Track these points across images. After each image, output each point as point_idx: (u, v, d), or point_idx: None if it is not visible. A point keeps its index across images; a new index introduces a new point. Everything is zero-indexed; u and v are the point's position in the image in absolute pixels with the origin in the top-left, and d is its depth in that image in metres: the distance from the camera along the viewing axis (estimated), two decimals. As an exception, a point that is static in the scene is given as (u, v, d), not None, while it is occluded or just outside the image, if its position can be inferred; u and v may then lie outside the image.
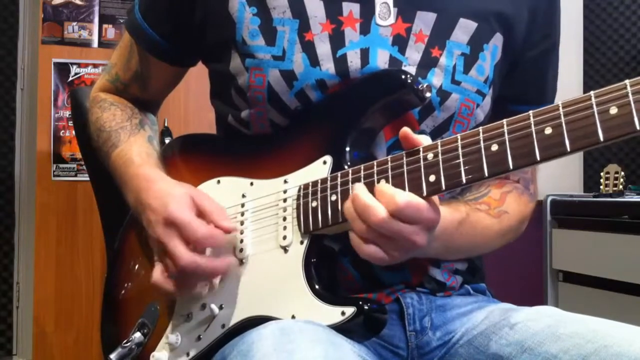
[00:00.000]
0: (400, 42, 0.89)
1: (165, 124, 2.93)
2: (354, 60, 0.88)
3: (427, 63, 0.89)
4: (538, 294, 2.94)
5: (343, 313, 0.77)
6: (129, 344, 0.89)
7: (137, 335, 0.90)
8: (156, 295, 0.94)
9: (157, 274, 0.86)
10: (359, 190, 0.75)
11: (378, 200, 0.73)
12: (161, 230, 0.85)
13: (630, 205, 2.56)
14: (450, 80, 0.90)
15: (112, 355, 0.88)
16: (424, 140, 0.76)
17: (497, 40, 0.94)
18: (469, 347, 0.90)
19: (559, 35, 1.03)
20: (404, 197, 0.71)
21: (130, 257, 1.04)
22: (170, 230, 0.84)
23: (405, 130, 0.76)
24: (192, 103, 2.95)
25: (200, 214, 0.85)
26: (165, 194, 0.87)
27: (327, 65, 0.88)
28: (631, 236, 2.47)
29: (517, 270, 2.87)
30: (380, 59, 0.88)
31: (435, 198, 0.75)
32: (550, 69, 1.04)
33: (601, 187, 2.86)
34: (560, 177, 3.19)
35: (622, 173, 2.83)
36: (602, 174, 2.89)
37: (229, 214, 0.91)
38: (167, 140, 2.79)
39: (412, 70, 0.89)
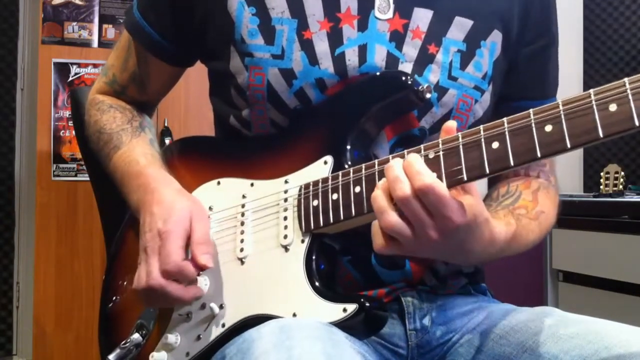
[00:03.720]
0: (398, 38, 0.90)
1: (165, 124, 2.93)
2: (352, 59, 0.88)
3: (424, 59, 0.90)
4: (538, 294, 2.95)
5: (345, 310, 0.77)
6: (127, 344, 0.89)
7: (136, 336, 0.90)
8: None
9: (137, 282, 0.86)
10: (394, 162, 0.72)
11: (406, 171, 0.70)
12: (149, 240, 0.85)
13: (630, 205, 2.56)
14: (447, 76, 0.90)
15: (111, 356, 0.88)
16: None
17: (495, 37, 0.95)
18: (469, 347, 0.90)
19: (557, 32, 1.03)
20: (431, 179, 0.69)
21: (128, 258, 1.04)
22: (155, 245, 0.84)
23: (450, 126, 0.74)
24: (192, 103, 2.95)
25: (189, 238, 0.86)
26: (169, 204, 0.87)
27: (326, 64, 0.88)
28: (631, 236, 2.47)
29: (517, 270, 2.88)
30: (378, 56, 0.89)
31: (472, 200, 0.72)
32: (549, 65, 1.03)
33: (601, 187, 2.87)
34: (560, 177, 3.17)
35: (622, 173, 2.84)
36: (602, 174, 2.89)
37: (228, 214, 0.91)
38: (167, 141, 2.81)
39: (409, 66, 0.89)
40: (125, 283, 1.03)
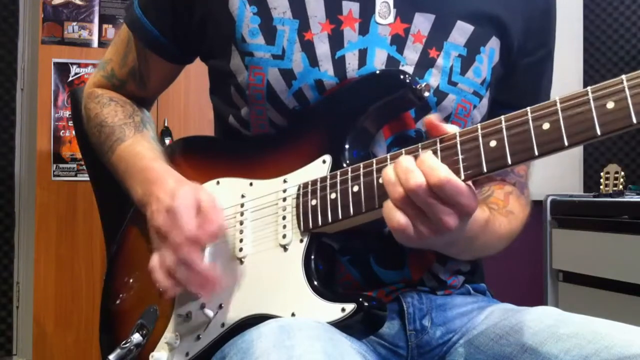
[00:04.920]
0: (399, 42, 0.90)
1: (165, 124, 2.93)
2: (351, 62, 0.88)
3: (425, 63, 0.90)
4: (538, 294, 2.95)
5: (343, 309, 0.77)
6: (127, 344, 0.89)
7: (136, 336, 0.90)
8: (155, 295, 0.94)
9: (155, 261, 0.85)
10: (404, 156, 0.72)
11: (419, 168, 0.70)
12: (162, 219, 0.84)
13: (630, 205, 2.56)
14: (447, 81, 0.90)
15: (111, 356, 0.88)
16: (452, 129, 0.74)
17: (494, 43, 0.95)
18: (469, 347, 0.90)
19: (554, 45, 1.03)
20: (446, 173, 0.68)
21: (129, 258, 1.04)
22: (168, 222, 0.83)
23: (431, 119, 0.74)
24: (192, 103, 2.95)
25: (198, 211, 0.84)
26: (174, 187, 0.87)
27: (326, 66, 0.88)
28: (631, 236, 2.47)
29: (517, 270, 2.88)
30: (378, 60, 0.89)
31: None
32: (544, 78, 1.04)
33: (601, 187, 2.87)
34: (560, 177, 3.19)
35: (622, 173, 2.83)
36: (602, 174, 2.89)
37: (228, 214, 0.91)
38: (167, 141, 2.81)
39: (409, 70, 0.89)
40: (126, 283, 1.03)
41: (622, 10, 3.31)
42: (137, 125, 1.04)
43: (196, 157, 1.02)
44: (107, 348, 1.01)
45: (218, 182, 0.95)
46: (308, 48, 0.89)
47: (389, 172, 0.72)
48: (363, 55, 0.89)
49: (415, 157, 0.72)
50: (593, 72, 3.37)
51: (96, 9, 2.93)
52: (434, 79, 0.90)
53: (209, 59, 1.01)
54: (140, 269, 1.00)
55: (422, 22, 0.90)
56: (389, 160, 0.77)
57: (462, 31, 0.92)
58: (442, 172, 0.68)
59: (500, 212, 0.92)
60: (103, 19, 2.94)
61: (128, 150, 0.99)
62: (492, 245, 0.91)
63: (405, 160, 0.71)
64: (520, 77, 0.99)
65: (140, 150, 0.98)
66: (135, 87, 1.10)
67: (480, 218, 0.83)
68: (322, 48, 0.89)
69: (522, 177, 1.01)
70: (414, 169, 0.70)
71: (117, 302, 1.03)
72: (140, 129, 1.04)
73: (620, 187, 2.81)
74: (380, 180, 0.76)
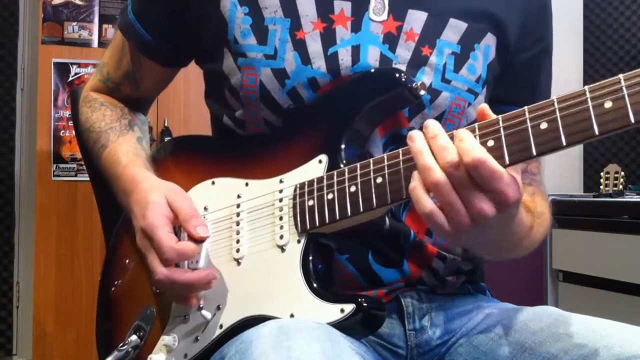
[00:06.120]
0: (391, 40, 0.90)
1: (165, 124, 2.94)
2: (344, 58, 0.88)
3: (417, 61, 0.89)
4: (538, 294, 2.95)
5: (342, 310, 0.76)
6: (125, 347, 0.89)
7: (133, 338, 0.90)
8: (151, 296, 0.94)
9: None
10: (438, 130, 0.68)
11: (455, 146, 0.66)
12: (140, 240, 0.87)
13: (630, 205, 2.56)
14: (440, 79, 0.90)
15: (109, 359, 0.88)
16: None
17: (489, 40, 0.94)
18: (469, 347, 0.89)
19: (551, 40, 1.02)
20: (482, 154, 0.64)
21: (124, 259, 1.04)
22: (147, 243, 0.85)
23: (483, 107, 0.70)
24: (192, 103, 2.95)
25: (176, 220, 0.86)
26: (145, 199, 0.88)
27: (319, 64, 0.88)
28: (631, 236, 2.47)
29: (517, 270, 2.88)
30: (371, 56, 0.89)
31: (517, 176, 0.68)
32: (542, 73, 1.03)
33: (601, 187, 2.87)
34: (560, 177, 3.19)
35: (622, 173, 2.84)
36: (602, 174, 2.90)
37: (224, 214, 0.91)
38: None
39: (402, 68, 0.88)
40: (122, 284, 1.03)
41: (622, 10, 3.31)
42: (121, 129, 1.04)
43: (190, 156, 1.01)
44: (104, 350, 1.01)
45: (213, 182, 0.94)
46: (300, 47, 0.89)
47: (426, 157, 0.67)
48: (356, 52, 0.88)
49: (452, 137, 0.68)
50: (593, 72, 3.37)
51: (96, 9, 2.94)
52: (427, 77, 0.89)
53: (203, 62, 1.01)
54: (135, 270, 1.00)
55: (415, 20, 0.90)
56: (386, 160, 0.76)
57: (455, 28, 0.91)
58: (478, 152, 0.65)
59: (534, 214, 0.89)
60: (103, 19, 2.94)
61: (109, 157, 1.00)
62: (528, 248, 0.88)
63: (441, 136, 0.67)
64: (517, 73, 0.99)
65: (117, 157, 0.99)
66: (130, 89, 1.10)
67: (527, 222, 0.80)
68: (314, 46, 0.88)
69: (535, 175, 1.00)
70: (450, 146, 0.66)
71: (114, 302, 1.03)
72: (125, 131, 1.04)
73: (620, 187, 2.81)
74: (378, 180, 0.75)
